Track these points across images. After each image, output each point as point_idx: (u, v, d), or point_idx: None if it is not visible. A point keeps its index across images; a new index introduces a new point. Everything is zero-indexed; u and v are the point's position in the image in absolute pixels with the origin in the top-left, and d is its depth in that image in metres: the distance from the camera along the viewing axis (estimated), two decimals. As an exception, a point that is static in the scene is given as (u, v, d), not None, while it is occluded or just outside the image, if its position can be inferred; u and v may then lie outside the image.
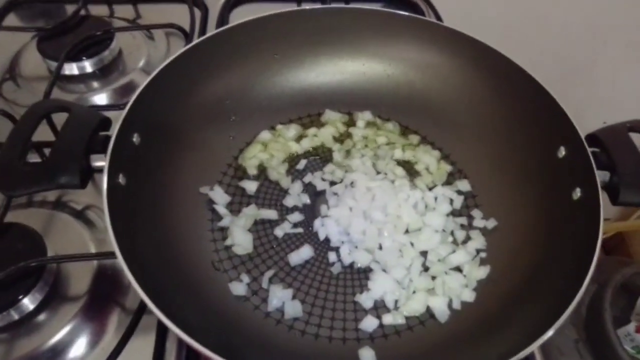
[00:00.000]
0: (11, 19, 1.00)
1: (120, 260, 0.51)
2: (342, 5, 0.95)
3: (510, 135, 0.72)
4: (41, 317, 0.62)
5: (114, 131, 0.59)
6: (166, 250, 0.61)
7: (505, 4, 1.10)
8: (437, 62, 0.78)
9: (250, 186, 0.72)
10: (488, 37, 0.74)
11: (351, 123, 0.80)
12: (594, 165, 0.60)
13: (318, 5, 0.97)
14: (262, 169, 0.74)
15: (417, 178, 0.74)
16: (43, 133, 0.66)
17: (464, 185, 0.73)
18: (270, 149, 0.75)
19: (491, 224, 0.69)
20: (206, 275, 0.63)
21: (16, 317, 0.61)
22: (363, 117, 0.80)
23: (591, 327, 0.88)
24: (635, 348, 0.89)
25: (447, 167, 0.75)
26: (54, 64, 0.85)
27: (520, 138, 0.71)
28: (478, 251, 0.67)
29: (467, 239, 0.68)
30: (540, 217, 0.65)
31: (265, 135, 0.77)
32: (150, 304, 0.49)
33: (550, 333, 0.50)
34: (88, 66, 0.88)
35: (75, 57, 0.87)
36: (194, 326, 0.49)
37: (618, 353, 0.81)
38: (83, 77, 0.88)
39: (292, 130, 0.77)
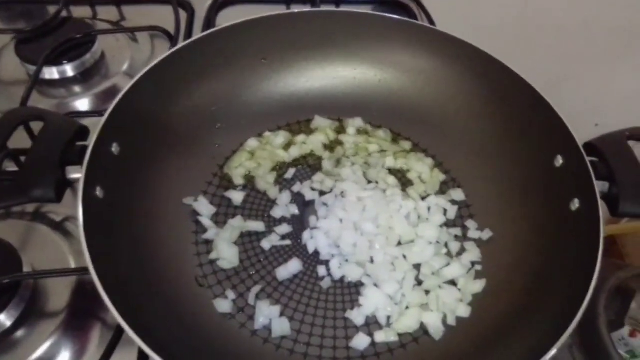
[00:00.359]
0: (-11, 21, 0.97)
1: (94, 278, 0.48)
2: (333, 8, 0.92)
3: (505, 143, 0.70)
4: (18, 334, 0.60)
5: (91, 141, 0.56)
6: (146, 266, 0.58)
7: (499, 8, 1.08)
8: (430, 67, 0.76)
9: (237, 197, 0.69)
10: (482, 41, 0.72)
11: (341, 130, 0.77)
12: (592, 176, 0.58)
13: (308, 9, 0.96)
14: (249, 179, 0.71)
15: (409, 187, 0.71)
16: (21, 140, 0.63)
17: (458, 194, 0.71)
18: (258, 157, 0.73)
19: (486, 235, 0.67)
20: (189, 291, 0.60)
21: (-9, 335, 0.58)
22: (354, 124, 0.77)
23: (585, 331, 0.87)
24: (630, 352, 0.88)
25: (440, 176, 0.73)
26: (32, 68, 0.82)
27: (516, 146, 0.69)
28: (473, 264, 0.65)
29: (462, 250, 0.66)
30: (537, 228, 0.63)
31: (252, 143, 0.74)
32: (125, 325, 0.47)
33: (552, 352, 0.48)
34: (69, 70, 0.85)
35: (56, 61, 0.84)
36: (174, 349, 0.47)
37: (612, 357, 0.80)
38: (64, 82, 0.85)
39: (281, 137, 0.75)
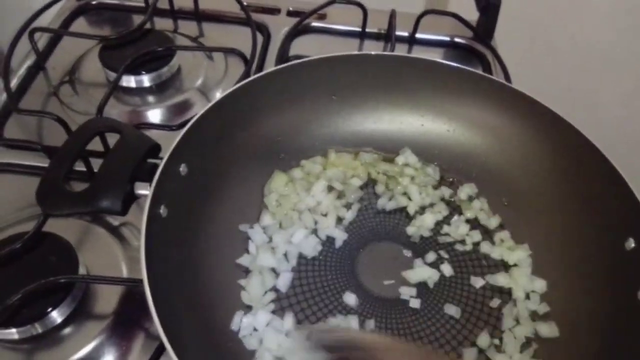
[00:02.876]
0: (80, 23, 1.02)
1: (147, 294, 0.49)
2: (405, 54, 0.92)
3: (573, 217, 0.67)
4: (66, 331, 0.61)
5: (162, 159, 0.58)
6: (196, 289, 0.59)
7: (580, 70, 1.05)
8: (501, 124, 0.74)
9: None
10: (560, 103, 0.70)
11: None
12: (666, 266, 0.55)
13: (381, 47, 0.97)
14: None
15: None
16: (93, 143, 0.66)
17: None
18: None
19: (543, 309, 0.64)
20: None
21: (40, 330, 0.60)
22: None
23: None
24: None
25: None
26: (112, 75, 0.85)
27: (586, 219, 0.66)
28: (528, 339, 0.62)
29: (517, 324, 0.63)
30: (601, 318, 0.60)
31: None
32: (168, 346, 0.47)
33: None
34: (146, 80, 0.88)
35: (135, 70, 0.87)
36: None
37: None
38: (139, 91, 0.88)
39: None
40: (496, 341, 0.62)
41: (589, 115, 0.70)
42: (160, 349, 0.60)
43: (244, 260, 0.65)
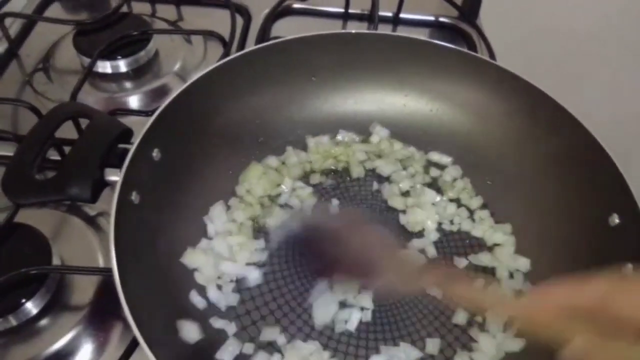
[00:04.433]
0: (55, 8, 0.99)
1: (116, 283, 0.48)
2: (389, 32, 0.90)
3: (558, 191, 0.66)
4: (42, 323, 0.60)
5: (133, 144, 0.56)
6: (169, 277, 0.57)
7: (568, 47, 1.03)
8: (485, 102, 0.73)
9: None
10: (546, 81, 0.68)
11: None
12: (650, 242, 0.54)
13: (364, 27, 0.95)
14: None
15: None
16: (67, 130, 0.63)
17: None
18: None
19: (527, 286, 0.63)
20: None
21: (14, 322, 0.59)
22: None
23: None
24: None
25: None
26: (87, 60, 0.83)
27: (569, 195, 0.65)
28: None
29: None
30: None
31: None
32: (139, 336, 0.46)
33: None
34: (122, 66, 0.86)
35: (110, 55, 0.84)
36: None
37: None
38: (116, 77, 0.86)
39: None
40: (479, 319, 0.61)
41: (573, 95, 0.69)
42: (136, 341, 0.58)
43: (202, 244, 0.64)
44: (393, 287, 0.55)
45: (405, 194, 0.72)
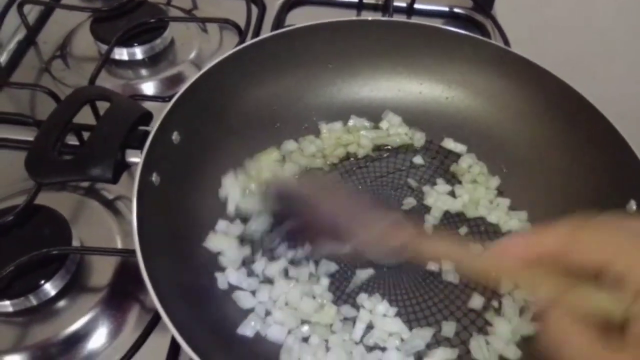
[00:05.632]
0: (71, -4, 1.00)
1: (140, 262, 0.49)
2: (404, 19, 0.90)
3: (575, 180, 0.66)
4: (60, 304, 0.61)
5: (153, 127, 0.56)
6: (187, 259, 0.58)
7: (584, 35, 1.03)
8: (500, 89, 0.73)
9: None
10: (563, 69, 0.68)
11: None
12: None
13: (379, 17, 0.95)
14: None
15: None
16: (85, 116, 0.64)
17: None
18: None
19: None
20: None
21: (34, 302, 0.59)
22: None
23: None
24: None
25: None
26: (104, 47, 0.83)
27: (586, 183, 0.65)
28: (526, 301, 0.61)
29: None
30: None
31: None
32: (163, 314, 0.47)
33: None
34: (138, 53, 0.86)
35: (127, 43, 0.85)
36: (202, 344, 0.46)
37: None
38: (132, 64, 0.87)
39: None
40: (495, 304, 0.61)
41: (590, 84, 0.69)
42: (155, 319, 0.59)
43: (220, 226, 0.64)
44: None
45: (420, 181, 0.72)
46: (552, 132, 0.69)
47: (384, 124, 0.75)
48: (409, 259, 0.54)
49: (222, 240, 0.63)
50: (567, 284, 0.37)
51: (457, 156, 0.74)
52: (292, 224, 0.57)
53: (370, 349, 0.58)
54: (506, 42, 0.90)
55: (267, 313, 0.58)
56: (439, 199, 0.69)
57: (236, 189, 0.66)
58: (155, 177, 0.56)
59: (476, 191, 0.69)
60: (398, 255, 0.54)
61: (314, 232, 0.56)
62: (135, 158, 0.55)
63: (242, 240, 0.64)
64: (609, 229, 0.38)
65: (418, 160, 0.73)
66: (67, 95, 0.59)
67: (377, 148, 0.75)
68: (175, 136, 0.60)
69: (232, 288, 0.60)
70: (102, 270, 0.63)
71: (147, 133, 0.56)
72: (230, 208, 0.65)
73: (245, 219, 0.65)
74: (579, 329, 0.35)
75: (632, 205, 0.59)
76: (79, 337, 0.59)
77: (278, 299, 0.59)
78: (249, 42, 0.68)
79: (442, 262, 0.63)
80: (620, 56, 1.11)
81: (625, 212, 0.59)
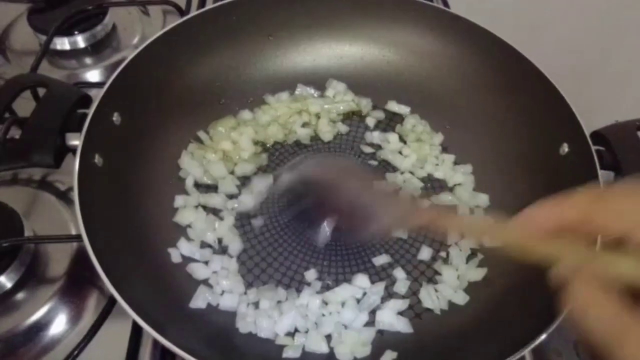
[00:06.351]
0: (6, -10, 0.98)
1: (86, 244, 0.49)
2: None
3: (513, 128, 0.69)
4: (18, 297, 0.60)
5: (91, 109, 0.56)
6: (139, 237, 0.59)
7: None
8: (439, 49, 0.75)
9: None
10: (497, 27, 0.70)
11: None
12: (597, 165, 0.56)
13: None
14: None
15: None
16: (30, 109, 0.64)
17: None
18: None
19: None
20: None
21: (-10, 295, 0.59)
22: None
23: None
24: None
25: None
26: (44, 38, 0.82)
27: (524, 131, 0.68)
28: (473, 250, 0.64)
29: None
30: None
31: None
32: (114, 292, 0.47)
33: (542, 337, 0.48)
34: (80, 41, 0.85)
35: (67, 32, 0.84)
36: (160, 319, 0.47)
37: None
38: (75, 53, 0.86)
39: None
40: (443, 254, 0.63)
41: (528, 42, 0.71)
42: (111, 302, 0.59)
43: (179, 201, 0.65)
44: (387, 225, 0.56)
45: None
46: (489, 86, 0.71)
47: (329, 92, 0.76)
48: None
49: (190, 213, 0.64)
50: (591, 252, 0.36)
51: (402, 118, 0.76)
52: (309, 203, 0.59)
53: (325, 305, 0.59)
54: (445, 3, 0.91)
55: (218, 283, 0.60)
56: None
57: (195, 165, 0.67)
58: (98, 159, 0.57)
59: (421, 149, 0.71)
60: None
61: (333, 211, 0.57)
62: (76, 141, 0.55)
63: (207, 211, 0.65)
64: (630, 196, 0.37)
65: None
66: (1, 85, 0.58)
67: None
68: (116, 117, 0.60)
69: (186, 261, 0.61)
70: (59, 260, 0.63)
71: (85, 115, 0.56)
72: (189, 183, 0.66)
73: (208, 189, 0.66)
74: (605, 297, 0.34)
75: (565, 147, 0.61)
76: (40, 327, 0.59)
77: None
78: (185, 17, 0.68)
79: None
80: (557, 15, 1.14)
81: (558, 155, 0.61)
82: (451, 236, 0.63)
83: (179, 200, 0.64)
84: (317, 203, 0.58)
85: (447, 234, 0.63)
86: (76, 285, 0.62)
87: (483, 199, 0.67)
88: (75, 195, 0.51)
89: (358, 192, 0.56)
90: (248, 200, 0.65)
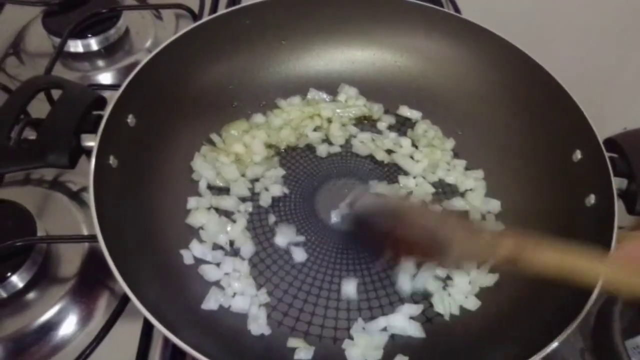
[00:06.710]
0: (21, -8, 0.99)
1: (101, 245, 0.49)
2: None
3: (525, 134, 0.69)
4: (29, 296, 0.61)
5: (107, 111, 0.57)
6: (154, 238, 0.59)
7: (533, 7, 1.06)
8: (452, 55, 0.75)
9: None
10: (509, 33, 0.70)
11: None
12: (610, 171, 0.56)
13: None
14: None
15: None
16: (44, 110, 0.64)
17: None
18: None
19: (500, 226, 0.66)
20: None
21: (4, 295, 0.60)
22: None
23: (599, 336, 0.84)
24: (644, 361, 0.85)
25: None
26: (58, 41, 0.83)
27: (536, 138, 0.68)
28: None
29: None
30: (551, 223, 0.61)
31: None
32: (129, 291, 0.47)
33: (554, 344, 0.47)
34: (93, 44, 0.86)
35: (81, 34, 0.85)
36: (172, 319, 0.47)
37: (625, 365, 0.77)
38: (88, 55, 0.86)
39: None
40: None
41: (540, 48, 0.71)
42: (124, 301, 0.60)
43: (191, 202, 0.65)
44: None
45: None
46: (501, 92, 0.72)
47: (341, 97, 0.77)
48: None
49: (203, 215, 0.64)
50: None
51: (413, 123, 0.76)
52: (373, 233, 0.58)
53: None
54: (456, 8, 0.92)
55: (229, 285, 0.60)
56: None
57: (208, 168, 0.67)
58: (112, 160, 0.57)
59: (433, 154, 0.71)
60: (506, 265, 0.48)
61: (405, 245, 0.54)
62: (91, 142, 0.56)
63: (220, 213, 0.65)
64: None
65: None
66: (17, 86, 0.59)
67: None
68: (130, 119, 0.61)
69: (198, 263, 0.61)
70: (71, 260, 0.64)
71: (100, 117, 0.56)
72: (202, 185, 0.66)
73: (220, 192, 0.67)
74: None
75: (578, 154, 0.61)
76: (51, 326, 0.59)
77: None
78: (199, 21, 0.69)
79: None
80: (570, 22, 1.14)
81: (571, 161, 0.61)
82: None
83: (192, 202, 0.65)
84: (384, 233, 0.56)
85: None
86: (87, 285, 0.62)
87: (495, 204, 0.67)
88: (90, 196, 0.52)
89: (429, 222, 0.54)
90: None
